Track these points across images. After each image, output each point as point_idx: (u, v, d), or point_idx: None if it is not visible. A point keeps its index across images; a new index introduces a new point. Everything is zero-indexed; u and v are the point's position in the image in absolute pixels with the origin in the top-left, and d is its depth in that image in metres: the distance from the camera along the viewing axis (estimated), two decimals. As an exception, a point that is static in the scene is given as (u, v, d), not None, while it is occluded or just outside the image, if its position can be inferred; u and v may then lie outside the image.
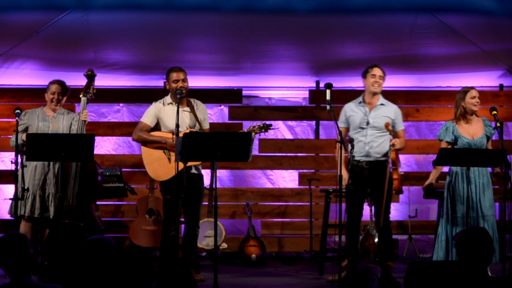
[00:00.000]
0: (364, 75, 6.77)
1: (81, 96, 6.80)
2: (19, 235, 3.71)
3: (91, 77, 6.88)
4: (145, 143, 6.60)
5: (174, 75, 6.57)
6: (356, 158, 6.64)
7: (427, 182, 6.91)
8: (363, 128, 6.69)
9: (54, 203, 6.66)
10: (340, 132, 6.22)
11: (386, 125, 6.61)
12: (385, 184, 6.48)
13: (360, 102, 6.77)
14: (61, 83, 6.92)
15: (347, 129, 6.82)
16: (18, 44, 7.65)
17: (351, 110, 6.78)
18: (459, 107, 6.68)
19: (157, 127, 6.65)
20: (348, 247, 6.76)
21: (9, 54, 7.84)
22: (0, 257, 3.63)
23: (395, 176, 6.66)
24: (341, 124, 6.79)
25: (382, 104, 6.75)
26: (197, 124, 6.61)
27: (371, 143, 6.65)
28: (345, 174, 6.49)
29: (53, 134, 6.70)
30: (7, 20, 7.11)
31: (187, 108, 6.62)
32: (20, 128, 6.70)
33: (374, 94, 6.73)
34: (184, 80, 6.57)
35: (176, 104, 6.41)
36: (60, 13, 7.12)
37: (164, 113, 6.60)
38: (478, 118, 6.71)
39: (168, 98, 6.66)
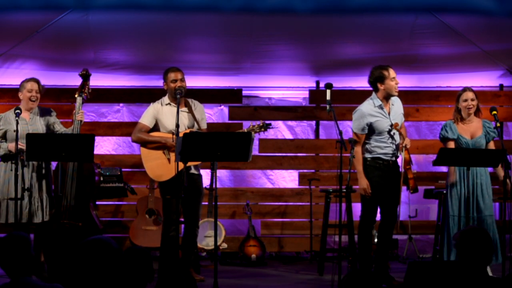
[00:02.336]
0: (380, 80, 6.52)
1: (76, 96, 6.77)
2: (22, 235, 3.71)
3: (86, 77, 6.85)
4: (144, 143, 6.59)
5: (172, 75, 6.56)
6: (385, 158, 6.56)
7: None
8: (388, 132, 6.55)
9: (41, 207, 6.61)
10: (340, 132, 6.17)
11: (395, 126, 6.53)
12: (400, 183, 6.49)
13: (379, 106, 6.54)
14: (37, 81, 6.76)
15: (365, 136, 6.60)
16: (18, 44, 7.64)
17: (373, 116, 6.53)
18: (455, 108, 6.71)
19: (155, 127, 6.65)
20: (364, 251, 6.66)
21: (9, 54, 7.84)
22: (2, 257, 3.63)
23: (410, 176, 6.54)
24: (360, 131, 6.53)
25: (392, 103, 6.66)
26: (195, 124, 6.61)
27: (398, 143, 6.60)
28: (365, 179, 6.50)
29: (53, 134, 6.68)
30: (7, 20, 7.10)
31: (185, 109, 6.61)
32: None
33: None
34: (182, 80, 6.56)
35: (174, 105, 6.43)
36: (60, 13, 7.12)
37: (163, 114, 6.59)
38: (478, 119, 6.70)
39: (165, 99, 6.65)
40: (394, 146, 6.58)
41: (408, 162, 6.50)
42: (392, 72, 6.55)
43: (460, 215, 6.45)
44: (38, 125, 6.74)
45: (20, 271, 3.60)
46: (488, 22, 7.25)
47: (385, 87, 6.55)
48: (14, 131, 6.32)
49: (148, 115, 6.65)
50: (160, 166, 6.52)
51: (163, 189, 6.59)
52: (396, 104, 6.69)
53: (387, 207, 6.62)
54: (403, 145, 6.48)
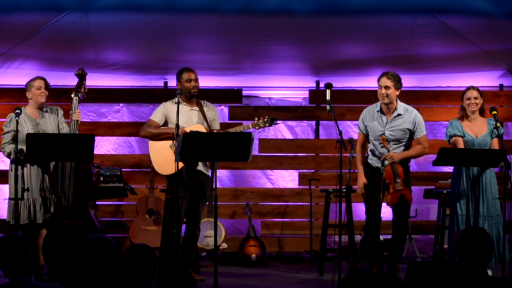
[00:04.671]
0: (378, 81, 6.62)
1: (72, 95, 6.77)
2: (18, 236, 3.71)
3: (82, 76, 6.84)
4: (152, 137, 6.66)
5: (187, 75, 6.68)
6: (376, 165, 6.64)
7: None
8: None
9: (41, 207, 6.59)
10: (340, 132, 6.17)
11: (382, 138, 6.54)
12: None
13: (378, 111, 6.60)
14: (43, 78, 6.77)
15: (365, 136, 6.71)
16: (18, 44, 7.64)
17: (369, 120, 6.63)
18: (461, 106, 6.72)
19: (164, 125, 6.71)
20: (373, 252, 6.74)
21: (9, 54, 7.84)
22: (-1, 258, 3.64)
23: (390, 190, 6.47)
24: (359, 130, 6.74)
25: (399, 114, 6.58)
26: (205, 124, 6.65)
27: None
28: (362, 178, 6.61)
29: (53, 134, 6.68)
30: (7, 20, 7.10)
31: (196, 107, 6.72)
32: (8, 137, 6.58)
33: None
34: (196, 80, 6.67)
35: (186, 104, 6.57)
36: (60, 13, 7.11)
37: (173, 112, 6.62)
38: (482, 119, 6.70)
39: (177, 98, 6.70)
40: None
41: (390, 176, 6.46)
42: (381, 80, 6.56)
43: (468, 215, 6.43)
44: (48, 125, 6.73)
45: (17, 271, 3.60)
46: (488, 23, 7.24)
47: (378, 91, 6.63)
48: (17, 131, 6.32)
49: (158, 112, 6.74)
50: (167, 159, 6.54)
51: (170, 184, 6.60)
52: (406, 118, 6.61)
53: (393, 209, 6.66)
54: (382, 159, 6.50)
